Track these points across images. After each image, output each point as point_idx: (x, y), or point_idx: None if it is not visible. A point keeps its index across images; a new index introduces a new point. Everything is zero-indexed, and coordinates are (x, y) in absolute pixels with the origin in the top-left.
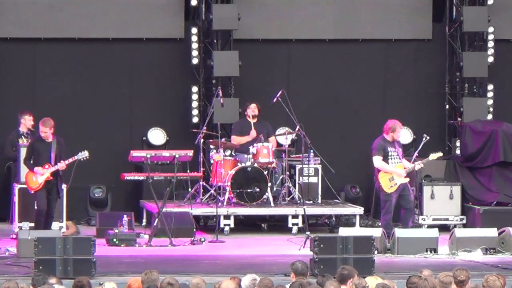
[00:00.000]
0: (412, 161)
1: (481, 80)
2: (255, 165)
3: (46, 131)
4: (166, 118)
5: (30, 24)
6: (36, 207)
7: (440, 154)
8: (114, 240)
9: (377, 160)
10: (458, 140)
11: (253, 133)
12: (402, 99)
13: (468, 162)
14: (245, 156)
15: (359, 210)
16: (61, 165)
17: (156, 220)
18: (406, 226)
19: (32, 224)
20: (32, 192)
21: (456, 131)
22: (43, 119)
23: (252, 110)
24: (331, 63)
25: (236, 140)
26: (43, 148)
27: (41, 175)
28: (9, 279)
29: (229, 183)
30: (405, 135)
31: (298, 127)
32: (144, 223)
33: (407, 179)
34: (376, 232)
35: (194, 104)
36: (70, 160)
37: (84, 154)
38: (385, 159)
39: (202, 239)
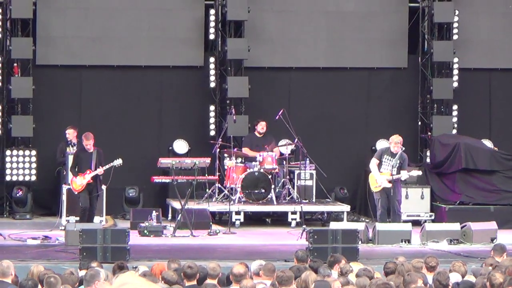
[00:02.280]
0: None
1: (447, 102)
2: (261, 170)
3: (90, 143)
4: (188, 131)
5: (77, 54)
6: (80, 205)
7: (419, 173)
8: (145, 231)
9: (371, 162)
10: (428, 151)
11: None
12: (382, 117)
13: (436, 169)
14: (253, 163)
15: (346, 207)
16: (100, 171)
17: (179, 215)
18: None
19: (78, 218)
20: (76, 193)
21: (426, 143)
22: (85, 133)
23: (262, 127)
24: (324, 87)
25: (247, 152)
26: (85, 158)
27: (81, 182)
28: (57, 265)
29: (239, 185)
30: (384, 146)
31: (296, 139)
32: (169, 218)
33: (390, 185)
34: (360, 226)
35: (212, 120)
36: (107, 166)
37: (118, 161)
38: (380, 164)
39: (217, 231)
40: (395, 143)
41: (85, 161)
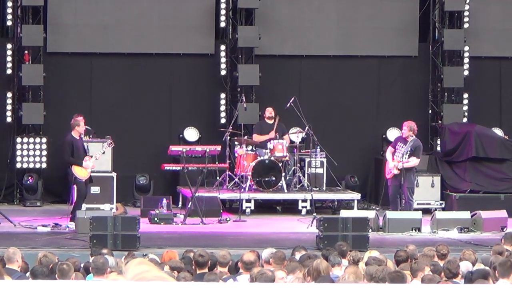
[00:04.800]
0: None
1: (458, 90)
2: (272, 158)
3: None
4: (199, 119)
5: (88, 41)
6: (79, 194)
7: (415, 162)
8: (155, 219)
9: (387, 150)
10: (439, 139)
11: (272, 134)
12: (393, 105)
13: (446, 157)
14: (264, 150)
15: (357, 195)
16: (98, 156)
17: (190, 203)
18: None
19: (89, 206)
20: (83, 180)
21: (437, 131)
22: (78, 116)
23: (270, 112)
24: (334, 75)
25: (257, 138)
26: (79, 145)
27: (88, 167)
28: (68, 253)
29: (250, 173)
30: (394, 135)
31: (307, 127)
32: (180, 205)
33: (397, 171)
34: (370, 214)
35: (222, 108)
36: (104, 150)
37: (105, 147)
38: (396, 152)
39: (228, 219)
40: (402, 126)
41: (81, 148)
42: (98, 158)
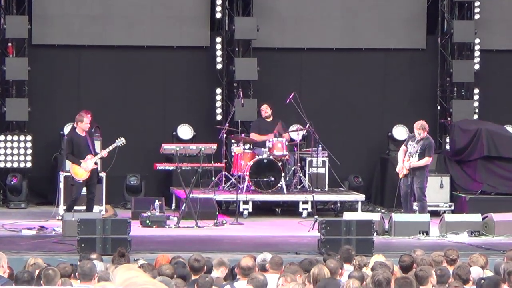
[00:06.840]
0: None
1: (468, 85)
2: (271, 157)
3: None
4: (193, 115)
5: (75, 33)
6: (71, 194)
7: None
8: (147, 221)
9: (400, 149)
10: (448, 137)
11: (271, 135)
12: (399, 101)
13: (456, 156)
14: (262, 149)
15: (361, 197)
16: (104, 153)
17: (184, 204)
18: (422, 211)
19: (76, 207)
20: (81, 181)
21: (446, 129)
22: (87, 111)
23: (265, 111)
24: (337, 69)
25: (255, 137)
26: (82, 142)
27: (87, 168)
28: (54, 258)
29: (248, 173)
30: (401, 132)
31: (308, 124)
32: (173, 207)
33: (406, 171)
34: (375, 216)
35: (218, 104)
36: (110, 147)
37: (121, 141)
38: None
39: (224, 222)
40: (415, 127)
41: (83, 145)
42: (105, 155)
